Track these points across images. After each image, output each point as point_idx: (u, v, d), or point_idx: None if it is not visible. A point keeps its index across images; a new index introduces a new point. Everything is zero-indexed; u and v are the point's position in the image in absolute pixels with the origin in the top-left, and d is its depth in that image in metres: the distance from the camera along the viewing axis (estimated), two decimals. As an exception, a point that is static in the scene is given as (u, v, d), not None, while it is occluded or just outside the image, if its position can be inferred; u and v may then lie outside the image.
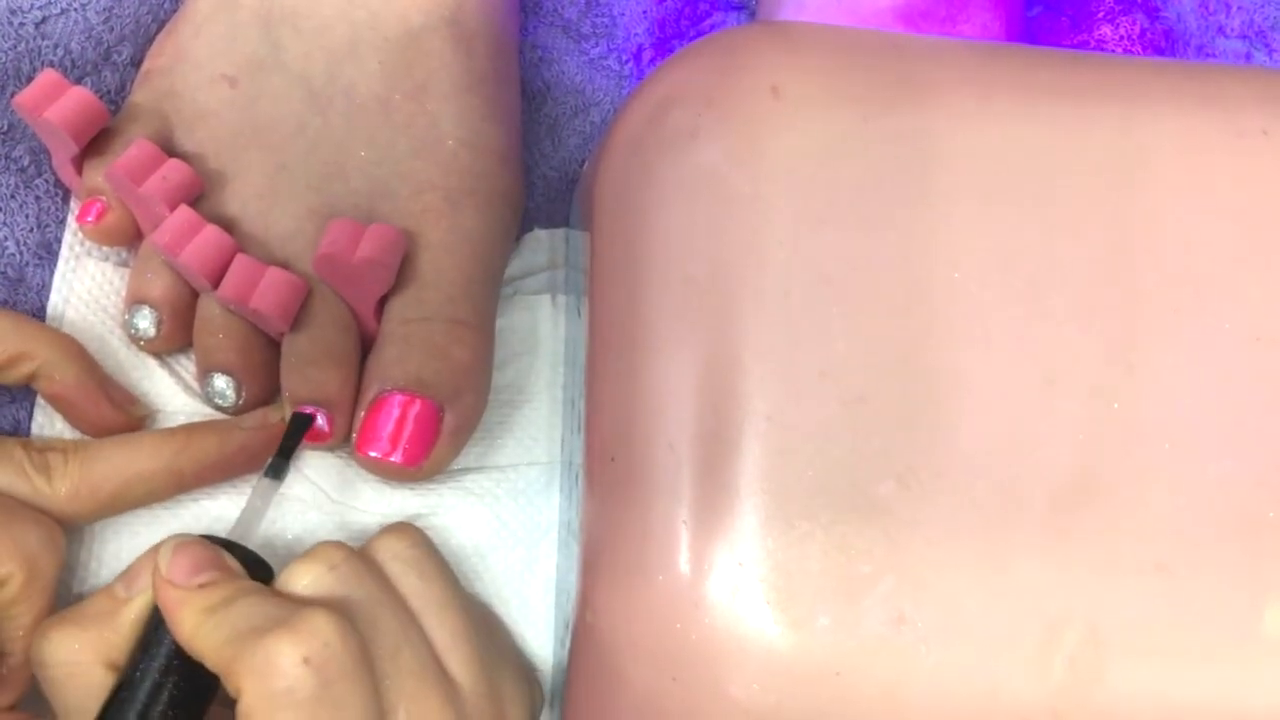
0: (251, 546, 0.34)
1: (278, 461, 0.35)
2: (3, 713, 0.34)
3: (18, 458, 0.34)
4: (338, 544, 0.33)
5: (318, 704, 0.29)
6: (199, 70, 0.39)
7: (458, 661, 0.33)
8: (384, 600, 0.33)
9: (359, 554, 0.34)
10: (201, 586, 0.31)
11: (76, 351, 0.37)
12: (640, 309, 0.32)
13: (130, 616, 0.32)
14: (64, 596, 0.37)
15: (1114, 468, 0.30)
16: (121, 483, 0.35)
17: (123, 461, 0.35)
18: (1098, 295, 0.31)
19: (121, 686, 0.31)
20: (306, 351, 0.36)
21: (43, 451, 0.35)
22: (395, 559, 0.34)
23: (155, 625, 0.32)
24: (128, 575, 0.33)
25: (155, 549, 0.33)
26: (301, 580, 0.32)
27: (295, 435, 0.36)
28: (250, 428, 0.37)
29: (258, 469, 0.37)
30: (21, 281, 0.39)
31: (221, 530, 0.34)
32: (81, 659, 0.32)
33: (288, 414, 0.36)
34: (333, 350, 0.37)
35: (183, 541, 0.32)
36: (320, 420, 0.36)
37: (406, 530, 0.36)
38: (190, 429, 0.36)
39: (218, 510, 0.38)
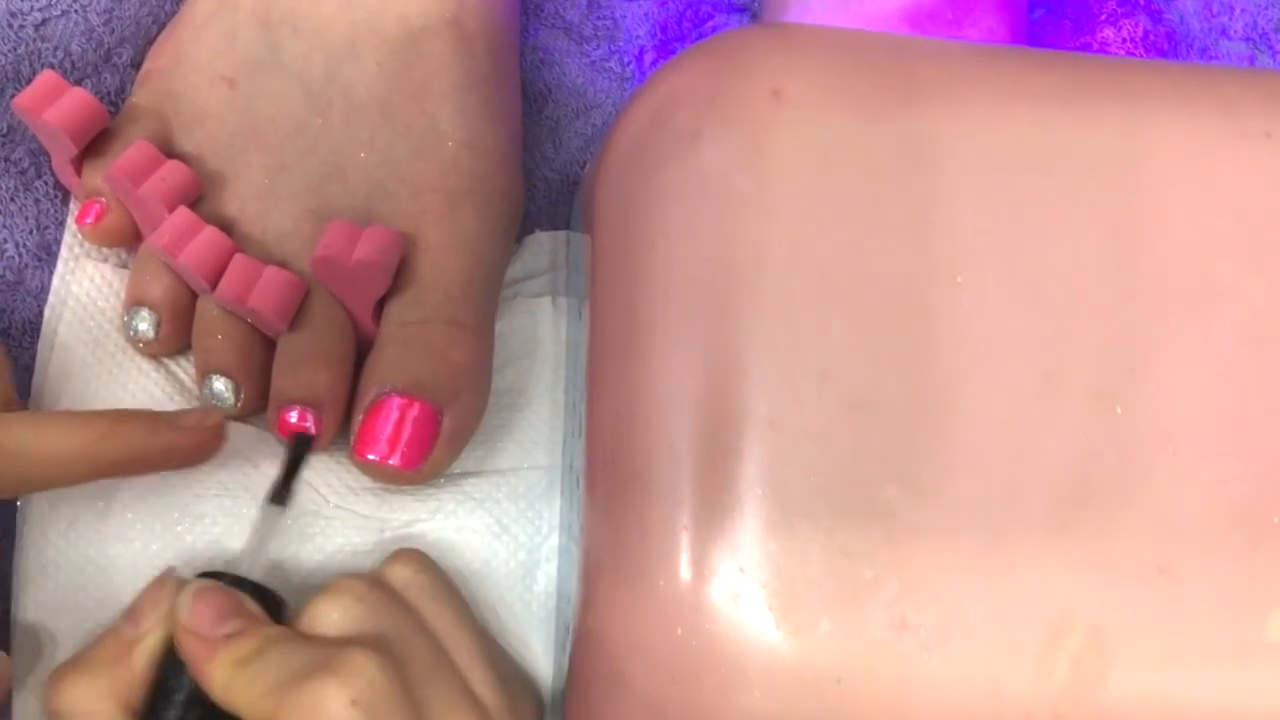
0: (258, 573, 0.34)
1: (281, 487, 0.35)
2: None
3: None
4: (357, 576, 0.33)
5: None
6: (198, 72, 0.39)
7: (480, 681, 0.33)
8: (413, 628, 0.33)
9: (380, 584, 0.34)
10: (228, 637, 0.31)
11: None
12: (641, 311, 0.32)
13: (143, 657, 0.32)
14: (57, 595, 0.37)
15: (1116, 470, 0.30)
16: (33, 460, 0.33)
17: (32, 439, 0.33)
18: (1100, 297, 0.31)
19: None
20: (300, 351, 0.36)
21: None
22: (409, 586, 0.34)
23: (169, 665, 0.31)
24: (133, 614, 0.33)
25: (160, 582, 0.33)
26: (330, 616, 0.32)
27: (297, 458, 0.36)
28: (184, 427, 0.35)
29: (183, 467, 0.36)
30: (20, 283, 0.39)
31: (221, 543, 0.34)
32: (98, 707, 0.31)
33: (270, 413, 0.36)
34: (327, 350, 0.37)
35: (203, 589, 0.32)
36: (308, 420, 0.36)
37: (412, 556, 0.35)
38: (119, 415, 0.34)
39: (211, 514, 0.37)
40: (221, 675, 0.30)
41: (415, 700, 0.31)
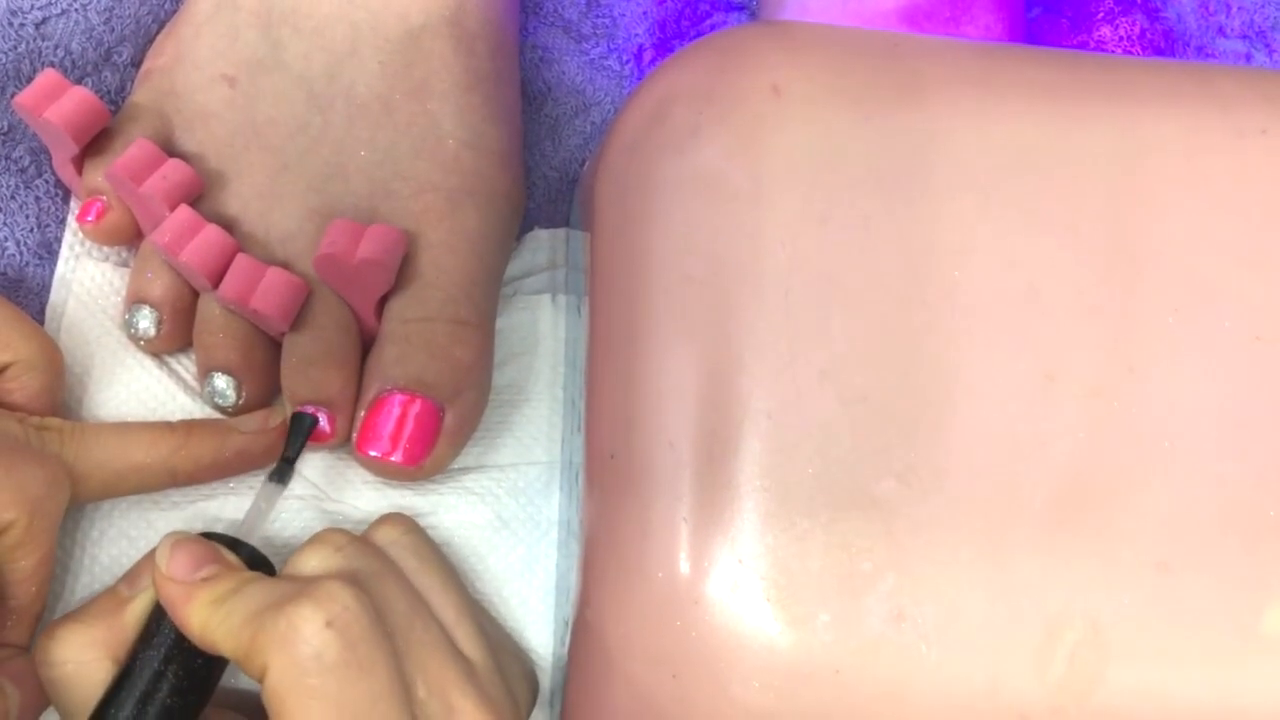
0: (255, 542, 0.34)
1: (282, 465, 0.36)
2: (12, 651, 0.34)
3: (15, 432, 0.34)
4: (340, 529, 0.34)
5: (346, 667, 0.29)
6: (199, 70, 0.39)
7: (464, 637, 0.34)
8: (392, 579, 0.33)
9: (361, 539, 0.34)
10: (204, 580, 0.31)
11: (56, 364, 0.36)
12: (640, 308, 0.32)
13: (134, 613, 0.33)
14: (63, 598, 0.37)
15: (1114, 467, 0.30)
16: (114, 472, 0.35)
17: (118, 450, 0.35)
18: (1098, 294, 0.31)
19: (124, 675, 0.31)
20: (307, 351, 0.36)
21: (40, 429, 0.34)
22: (392, 544, 0.35)
23: (157, 618, 0.32)
24: (130, 575, 0.34)
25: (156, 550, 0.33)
26: (309, 563, 0.33)
27: (299, 439, 0.36)
28: (249, 431, 0.37)
29: (253, 470, 0.37)
30: (21, 281, 0.40)
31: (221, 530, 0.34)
32: (88, 656, 0.32)
33: (289, 414, 0.36)
34: (333, 350, 0.37)
35: (181, 539, 0.32)
36: (321, 420, 0.36)
37: (399, 518, 0.36)
38: (189, 426, 0.36)
39: (215, 510, 0.38)
40: (199, 615, 0.31)
41: (395, 647, 0.31)
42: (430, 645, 0.32)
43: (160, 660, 0.31)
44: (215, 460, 0.36)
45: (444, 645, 0.32)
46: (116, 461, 0.35)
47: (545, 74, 0.46)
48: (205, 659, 0.32)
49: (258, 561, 0.33)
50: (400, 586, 0.33)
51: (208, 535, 0.33)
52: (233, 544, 0.33)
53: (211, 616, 0.30)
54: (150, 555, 0.33)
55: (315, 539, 0.33)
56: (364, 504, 0.38)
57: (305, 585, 0.30)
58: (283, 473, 0.36)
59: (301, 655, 0.29)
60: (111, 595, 0.33)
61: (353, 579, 0.32)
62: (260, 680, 0.29)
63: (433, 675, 0.31)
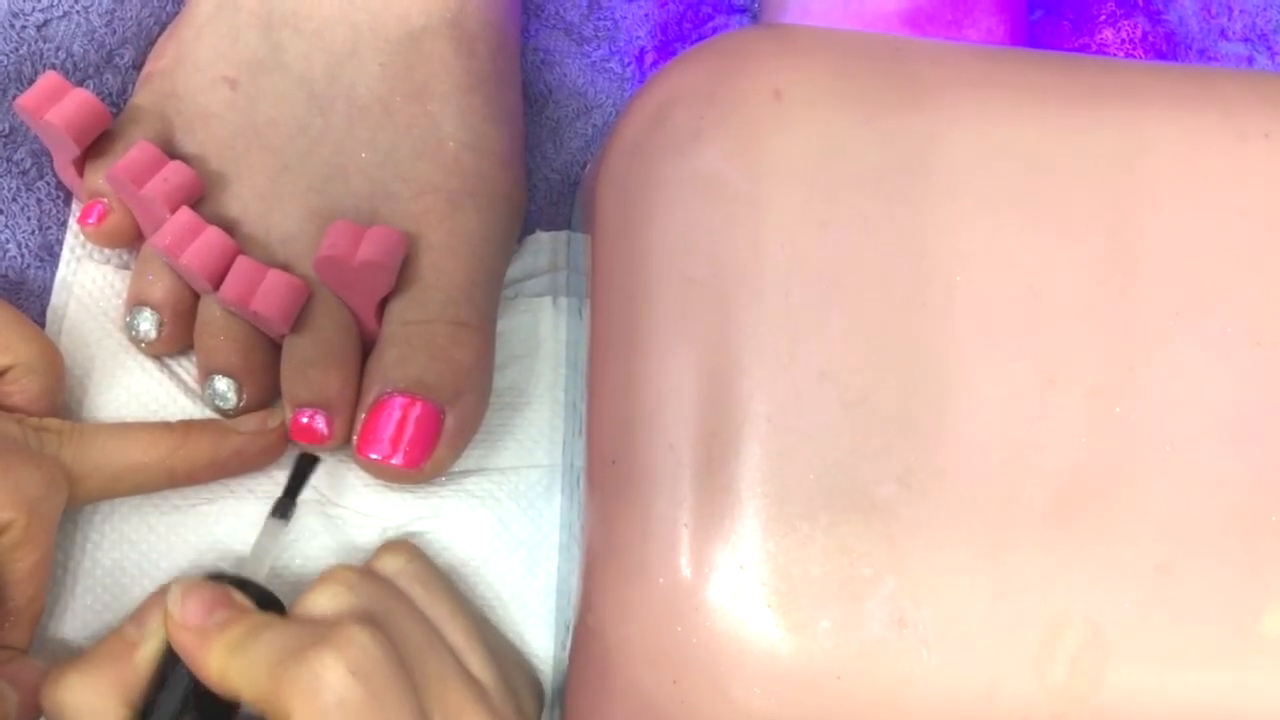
0: (260, 580, 0.34)
1: (284, 502, 0.36)
2: (10, 653, 0.34)
3: (13, 434, 0.34)
4: (347, 566, 0.34)
5: (368, 711, 0.29)
6: (200, 72, 0.39)
7: (476, 663, 0.34)
8: (403, 611, 0.33)
9: (370, 573, 0.34)
10: (218, 625, 0.31)
11: (56, 367, 0.36)
12: (641, 311, 0.32)
13: (145, 657, 0.32)
14: (64, 602, 0.37)
15: (1114, 469, 0.30)
16: (112, 472, 0.35)
17: (116, 451, 0.35)
18: (1098, 297, 0.31)
19: None
20: (307, 354, 0.36)
21: (39, 430, 0.35)
22: (399, 575, 0.35)
23: (170, 662, 0.32)
24: (137, 616, 0.33)
25: (165, 589, 0.33)
26: (319, 602, 0.33)
27: (301, 476, 0.36)
28: (247, 432, 0.37)
29: (252, 471, 0.37)
30: (23, 284, 0.40)
31: (224, 544, 0.34)
32: (101, 703, 0.31)
33: (288, 417, 0.36)
34: (333, 352, 0.37)
35: (191, 584, 0.32)
36: (320, 422, 0.36)
37: (402, 546, 0.36)
38: (187, 426, 0.36)
39: (215, 514, 0.38)
40: (217, 661, 0.31)
41: (413, 681, 0.31)
42: (445, 675, 0.32)
43: (179, 706, 0.31)
44: (213, 460, 0.36)
45: (458, 673, 0.33)
46: (115, 462, 0.35)
47: (547, 76, 0.46)
48: (222, 704, 0.32)
49: (266, 599, 0.33)
50: (413, 619, 0.33)
51: (215, 576, 0.33)
52: (240, 583, 0.33)
53: (230, 663, 0.30)
54: (156, 595, 0.33)
55: (325, 578, 0.33)
56: (366, 507, 0.38)
57: (325, 631, 0.30)
58: (285, 509, 0.36)
59: (326, 704, 0.29)
60: (119, 639, 0.33)
61: (368, 618, 0.32)
62: None
63: (450, 705, 0.32)
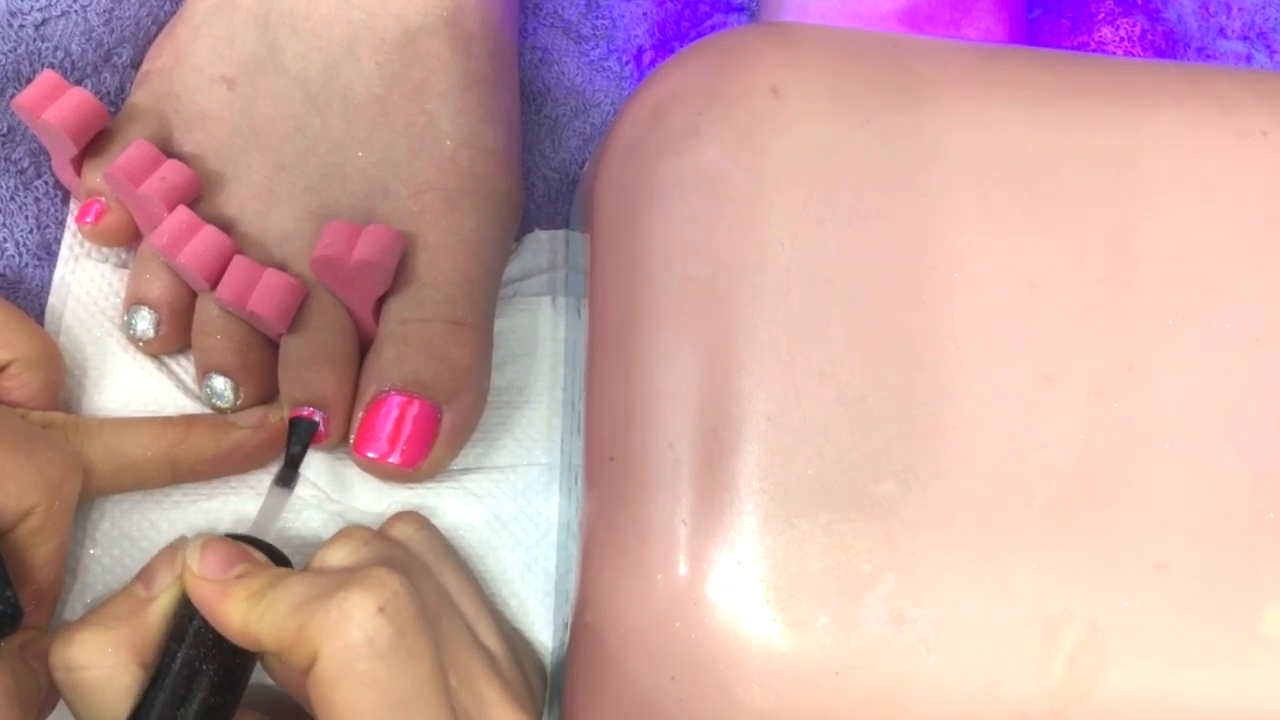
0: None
1: (287, 470, 0.36)
2: (36, 633, 0.34)
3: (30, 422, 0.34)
4: (362, 526, 0.34)
5: (396, 652, 0.29)
6: (197, 72, 0.39)
7: (485, 631, 0.34)
8: (417, 570, 0.33)
9: (383, 534, 0.35)
10: (238, 577, 0.31)
11: (56, 362, 0.36)
12: (640, 309, 0.32)
13: (157, 613, 0.32)
14: (65, 599, 0.37)
15: (1114, 467, 0.30)
16: (116, 466, 0.35)
17: (119, 444, 0.35)
18: (1097, 295, 0.31)
19: (161, 676, 0.31)
20: (303, 353, 0.36)
21: (44, 424, 0.35)
22: (411, 540, 0.35)
23: (186, 616, 0.32)
24: (145, 575, 0.33)
25: (173, 548, 0.33)
26: (337, 554, 0.33)
27: (302, 442, 0.36)
28: (248, 427, 0.37)
29: (252, 467, 0.37)
30: (21, 283, 0.39)
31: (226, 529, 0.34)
32: (112, 659, 0.31)
33: (286, 414, 0.36)
34: (329, 352, 0.37)
35: (210, 539, 0.32)
36: (317, 421, 0.36)
37: (413, 516, 0.37)
38: (189, 421, 0.36)
39: (217, 510, 0.38)
40: (238, 610, 0.30)
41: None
42: (457, 637, 0.32)
43: (198, 659, 0.31)
44: (215, 454, 0.36)
45: (469, 637, 0.33)
46: (118, 455, 0.35)
47: (545, 75, 0.46)
48: (241, 655, 0.31)
49: (279, 559, 0.33)
50: (427, 579, 0.33)
51: (231, 536, 0.33)
52: (253, 543, 0.33)
53: (251, 610, 0.30)
54: (164, 554, 0.33)
55: (339, 535, 0.34)
56: (366, 504, 0.38)
57: (352, 574, 0.30)
58: (287, 477, 0.35)
59: (354, 641, 0.29)
60: (129, 596, 0.32)
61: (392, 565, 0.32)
62: (306, 670, 0.29)
63: (462, 666, 0.32)
